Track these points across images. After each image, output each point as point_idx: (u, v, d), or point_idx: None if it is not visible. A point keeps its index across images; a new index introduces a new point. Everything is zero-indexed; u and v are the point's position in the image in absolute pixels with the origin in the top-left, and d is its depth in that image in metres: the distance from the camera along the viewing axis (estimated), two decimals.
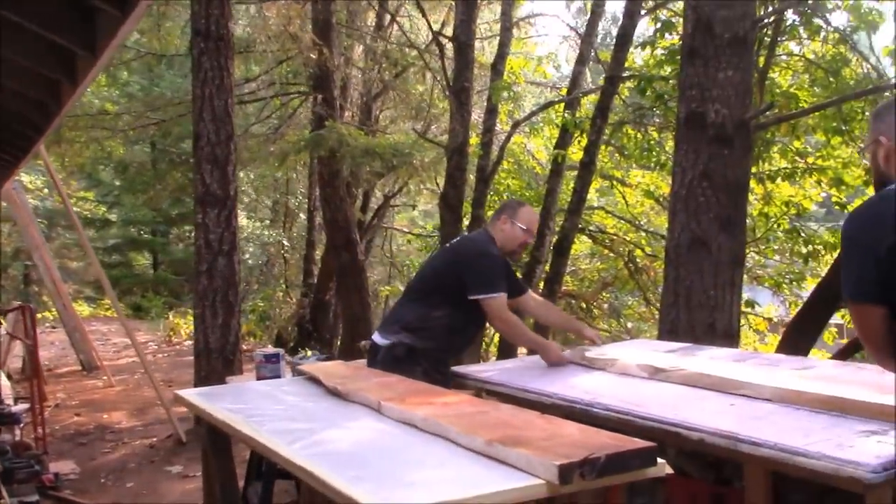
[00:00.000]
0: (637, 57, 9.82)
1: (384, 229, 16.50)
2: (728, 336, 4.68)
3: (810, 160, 8.65)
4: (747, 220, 5.59)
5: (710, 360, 3.38)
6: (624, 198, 12.06)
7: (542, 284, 9.66)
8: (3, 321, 8.23)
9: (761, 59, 6.52)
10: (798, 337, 6.32)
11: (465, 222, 9.94)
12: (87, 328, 11.29)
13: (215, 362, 6.49)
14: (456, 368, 3.76)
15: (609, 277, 12.75)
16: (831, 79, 7.43)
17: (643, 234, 11.88)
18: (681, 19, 6.14)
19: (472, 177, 10.26)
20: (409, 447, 2.28)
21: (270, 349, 4.39)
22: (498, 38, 10.78)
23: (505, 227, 3.82)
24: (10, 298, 14.75)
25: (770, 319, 11.18)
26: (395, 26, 12.73)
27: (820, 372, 3.03)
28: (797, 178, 8.68)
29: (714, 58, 4.74)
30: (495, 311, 3.62)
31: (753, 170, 7.03)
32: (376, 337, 3.75)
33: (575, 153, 10.38)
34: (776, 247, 10.04)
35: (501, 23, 10.55)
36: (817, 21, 7.26)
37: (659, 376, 3.12)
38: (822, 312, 6.47)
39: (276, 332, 15.83)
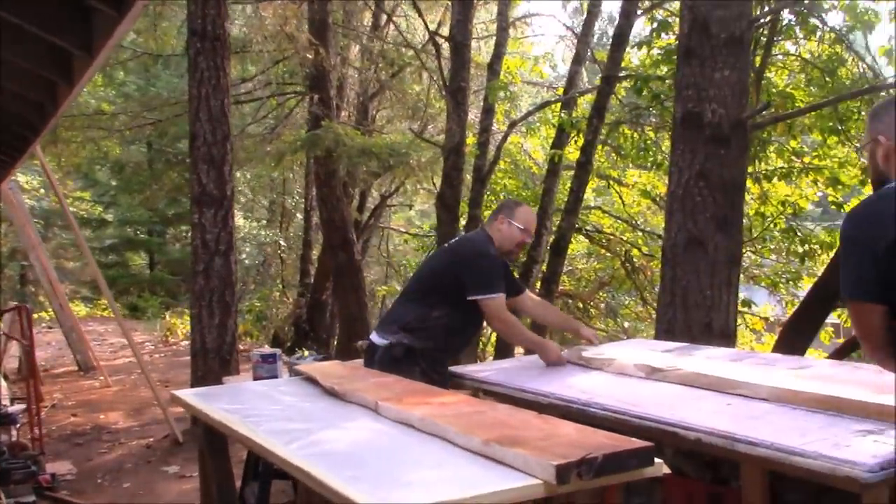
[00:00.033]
0: (633, 57, 9.84)
1: (381, 229, 16.51)
2: (725, 336, 4.69)
3: (806, 160, 8.67)
4: (744, 220, 5.60)
5: (707, 359, 3.39)
6: (620, 197, 12.07)
7: (538, 284, 9.66)
8: None
9: (758, 59, 6.54)
10: (795, 336, 6.33)
11: (462, 222, 9.94)
12: (83, 328, 11.28)
13: (212, 362, 6.49)
14: (453, 368, 3.76)
15: (606, 277, 12.76)
16: (827, 78, 7.45)
17: (640, 233, 11.89)
18: (677, 19, 6.15)
19: (468, 176, 10.26)
20: (407, 447, 2.28)
21: (267, 349, 4.38)
22: (494, 37, 10.78)
23: (502, 227, 3.82)
24: (7, 299, 14.71)
25: (766, 319, 11.21)
26: (392, 26, 12.74)
27: (816, 371, 3.03)
28: (793, 178, 8.71)
29: (710, 58, 4.75)
30: (494, 312, 3.62)
31: (750, 169, 7.04)
32: (374, 337, 3.75)
33: (571, 153, 10.40)
34: (772, 246, 10.06)
35: (498, 23, 10.55)
36: (813, 21, 7.28)
37: (656, 376, 3.13)
38: (819, 312, 6.48)
39: (272, 332, 15.82)
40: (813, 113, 7.16)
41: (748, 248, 9.24)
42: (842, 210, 8.03)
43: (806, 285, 9.26)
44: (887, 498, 2.03)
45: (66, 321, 10.42)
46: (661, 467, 2.07)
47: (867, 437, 2.17)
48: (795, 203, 9.11)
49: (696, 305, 4.71)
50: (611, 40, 9.60)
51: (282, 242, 18.39)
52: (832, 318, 7.71)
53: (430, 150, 10.54)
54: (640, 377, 3.17)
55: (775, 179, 8.51)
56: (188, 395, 3.33)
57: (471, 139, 10.38)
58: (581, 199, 9.73)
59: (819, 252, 8.81)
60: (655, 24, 7.69)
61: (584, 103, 10.91)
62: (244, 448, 3.95)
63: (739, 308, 6.73)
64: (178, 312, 16.84)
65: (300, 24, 9.99)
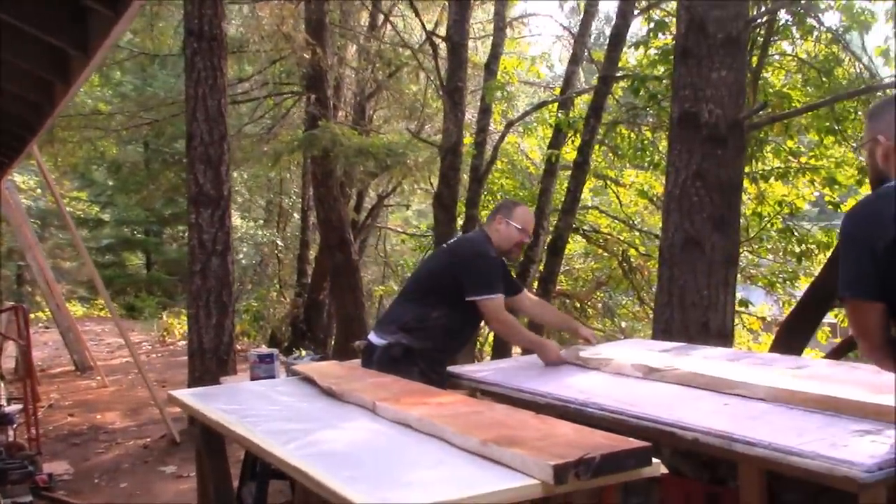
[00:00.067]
0: (630, 57, 9.84)
1: (378, 229, 16.51)
2: (722, 335, 4.69)
3: (803, 160, 8.68)
4: (741, 220, 5.60)
5: (705, 359, 3.39)
6: (618, 197, 12.07)
7: (536, 284, 9.67)
8: None
9: (754, 59, 6.54)
10: (792, 336, 6.34)
11: (459, 222, 9.94)
12: (80, 328, 11.25)
13: (209, 362, 6.48)
14: (451, 368, 3.76)
15: (603, 277, 12.76)
16: (824, 78, 7.46)
17: (637, 233, 11.89)
18: (674, 19, 6.16)
19: (465, 176, 10.26)
20: (404, 447, 2.28)
21: (265, 349, 4.38)
22: (491, 37, 10.77)
23: (500, 227, 3.82)
24: (4, 298, 14.67)
25: (764, 319, 11.22)
26: (389, 26, 12.72)
27: (814, 371, 3.04)
28: (790, 178, 8.72)
29: (707, 58, 4.75)
30: (492, 313, 3.62)
31: (747, 169, 7.04)
32: (372, 337, 3.75)
33: (569, 153, 10.40)
34: (769, 246, 10.07)
35: (495, 23, 10.55)
36: (810, 21, 7.30)
37: (653, 376, 3.13)
38: (816, 312, 6.49)
39: (270, 332, 15.82)
40: (809, 113, 7.17)
41: (745, 248, 9.24)
42: (838, 210, 8.04)
43: (803, 285, 9.26)
44: (885, 498, 2.03)
45: (62, 321, 10.40)
46: (658, 467, 2.08)
47: (865, 437, 2.17)
48: (792, 203, 9.13)
49: (693, 305, 4.71)
50: (608, 40, 9.60)
51: (279, 242, 18.36)
52: (829, 317, 7.72)
53: (427, 150, 10.54)
54: (638, 377, 3.18)
55: (772, 179, 8.52)
56: (185, 395, 3.33)
57: (468, 139, 10.38)
58: (578, 199, 9.73)
59: (816, 252, 8.82)
60: (652, 25, 7.70)
61: (581, 103, 10.92)
62: (241, 448, 3.95)
63: (736, 308, 6.73)
64: (176, 312, 16.82)
65: (297, 24, 9.98)
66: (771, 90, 7.46)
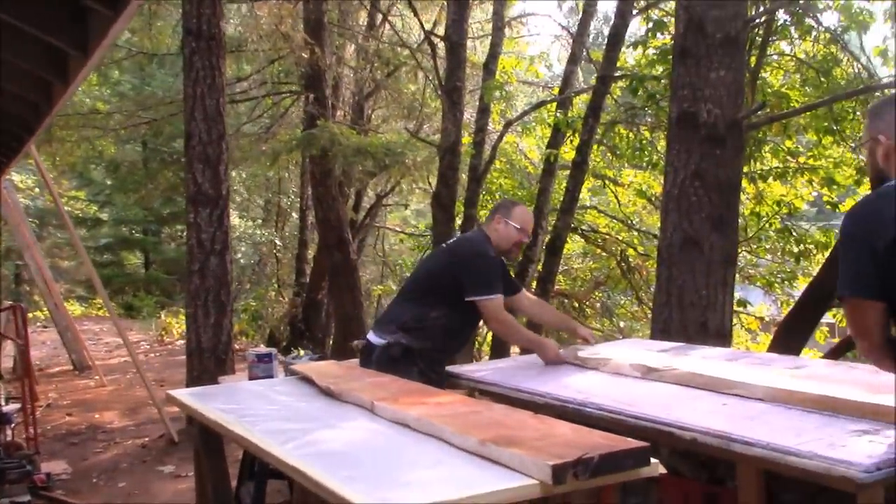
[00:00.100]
0: (629, 56, 9.84)
1: (376, 228, 16.50)
2: (720, 335, 4.69)
3: (802, 160, 8.68)
4: (739, 220, 5.60)
5: (703, 359, 3.39)
6: (616, 197, 12.07)
7: (534, 283, 9.67)
8: None
9: (753, 59, 6.55)
10: (790, 336, 6.34)
11: (458, 221, 9.94)
12: (78, 327, 11.24)
13: (207, 362, 6.48)
14: (449, 368, 3.76)
15: (601, 277, 12.77)
16: (822, 78, 7.46)
17: (635, 233, 11.90)
18: (672, 19, 6.16)
19: (464, 176, 10.26)
20: (403, 447, 2.28)
21: (263, 349, 4.38)
22: (490, 37, 10.77)
23: (499, 227, 3.82)
24: (2, 298, 14.66)
25: (762, 319, 11.22)
26: (387, 25, 12.71)
27: (812, 371, 3.04)
28: (789, 178, 8.72)
29: (706, 57, 4.75)
30: (492, 313, 3.62)
31: (745, 169, 7.05)
32: (371, 336, 3.74)
33: (567, 153, 10.39)
34: (768, 246, 10.07)
35: (493, 22, 10.54)
36: (808, 21, 7.29)
37: (652, 376, 3.13)
38: (814, 312, 6.49)
39: (268, 331, 15.82)
40: (808, 113, 7.17)
41: (744, 248, 9.24)
42: (837, 210, 8.05)
43: (801, 285, 9.26)
44: (882, 498, 2.03)
45: (61, 320, 10.39)
46: (657, 467, 2.08)
47: (863, 437, 2.17)
48: (791, 203, 9.13)
49: (691, 305, 4.71)
50: (606, 40, 9.61)
51: (277, 242, 18.36)
52: (827, 317, 7.73)
53: (425, 150, 10.54)
54: (636, 377, 3.18)
55: (771, 179, 8.52)
56: (184, 394, 3.33)
57: (466, 139, 10.38)
58: (577, 199, 9.74)
59: (814, 252, 8.83)
60: (651, 24, 7.69)
61: (580, 103, 10.91)
62: (240, 448, 3.95)
63: (735, 308, 6.73)
64: (174, 312, 16.81)
65: (295, 24, 9.98)
66: (769, 90, 7.47)
